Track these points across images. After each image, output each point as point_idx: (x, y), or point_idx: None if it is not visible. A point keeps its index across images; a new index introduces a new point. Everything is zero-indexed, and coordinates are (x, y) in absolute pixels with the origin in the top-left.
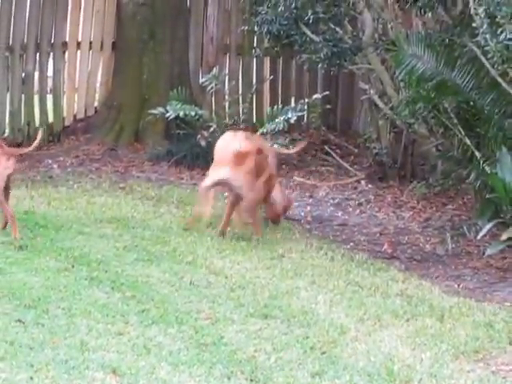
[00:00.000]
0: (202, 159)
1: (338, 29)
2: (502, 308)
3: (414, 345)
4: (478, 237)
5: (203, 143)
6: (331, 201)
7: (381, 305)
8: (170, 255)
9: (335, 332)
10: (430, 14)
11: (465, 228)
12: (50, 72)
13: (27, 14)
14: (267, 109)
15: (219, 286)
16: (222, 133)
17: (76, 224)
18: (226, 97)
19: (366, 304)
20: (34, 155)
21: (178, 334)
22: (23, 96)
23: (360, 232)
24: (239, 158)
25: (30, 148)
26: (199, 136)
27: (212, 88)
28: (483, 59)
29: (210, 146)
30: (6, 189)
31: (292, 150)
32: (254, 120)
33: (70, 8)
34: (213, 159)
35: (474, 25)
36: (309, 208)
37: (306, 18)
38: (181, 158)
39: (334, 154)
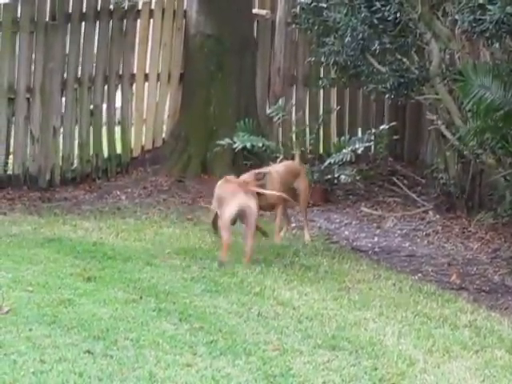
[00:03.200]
0: None
1: (404, 59)
2: None
3: (483, 377)
4: None
5: None
6: (399, 231)
7: (449, 336)
8: (238, 286)
9: (404, 364)
10: (497, 45)
11: None
12: (117, 104)
13: (95, 47)
14: (334, 139)
15: (287, 317)
16: None
17: (144, 255)
18: (293, 127)
19: (434, 335)
20: (103, 186)
21: (246, 365)
22: (92, 128)
23: (428, 263)
24: None
25: None
26: None
27: (279, 119)
28: None
29: None
30: None
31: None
32: (321, 151)
33: (137, 40)
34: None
35: None
36: (376, 239)
37: (373, 49)
38: None
39: (401, 185)
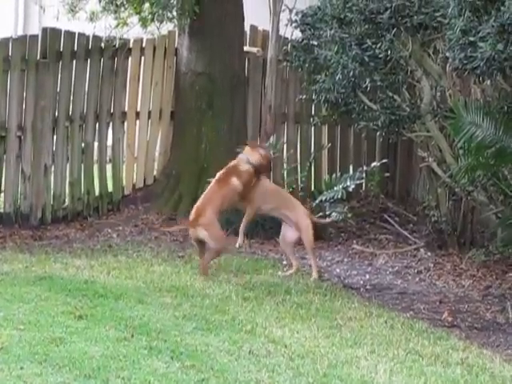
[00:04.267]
0: (260, 228)
1: (395, 96)
2: None
3: None
4: None
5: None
6: (390, 269)
7: (441, 374)
8: (229, 324)
9: None
10: (488, 82)
11: None
12: (109, 141)
13: (86, 85)
14: (325, 177)
15: (278, 355)
16: None
17: (135, 293)
18: (285, 165)
19: (426, 373)
20: (94, 224)
21: None
22: (83, 166)
23: (420, 300)
24: None
25: None
26: None
27: None
28: None
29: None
30: None
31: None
32: (312, 188)
33: (128, 78)
34: (271, 228)
35: None
36: (368, 276)
37: (364, 86)
38: (239, 226)
39: (392, 222)
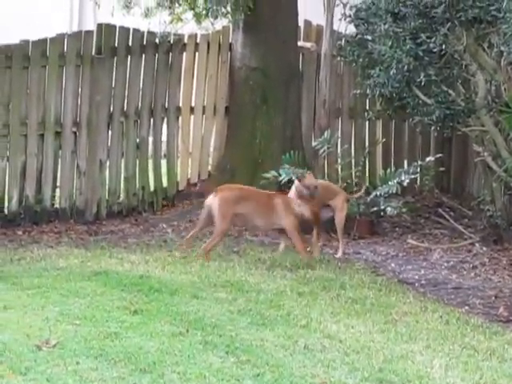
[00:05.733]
0: None
1: (450, 91)
2: None
3: None
4: None
5: None
6: (445, 264)
7: (497, 369)
8: (284, 319)
9: None
10: None
11: None
12: (163, 137)
13: (141, 80)
14: (380, 171)
15: (333, 350)
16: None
17: (190, 288)
18: (339, 160)
19: (482, 368)
20: (149, 219)
21: None
22: (138, 161)
23: (475, 295)
24: None
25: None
26: None
27: (324, 151)
28: None
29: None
30: None
31: None
32: (367, 183)
33: (183, 73)
34: (325, 222)
35: None
36: (423, 271)
37: (418, 81)
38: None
39: (447, 217)
